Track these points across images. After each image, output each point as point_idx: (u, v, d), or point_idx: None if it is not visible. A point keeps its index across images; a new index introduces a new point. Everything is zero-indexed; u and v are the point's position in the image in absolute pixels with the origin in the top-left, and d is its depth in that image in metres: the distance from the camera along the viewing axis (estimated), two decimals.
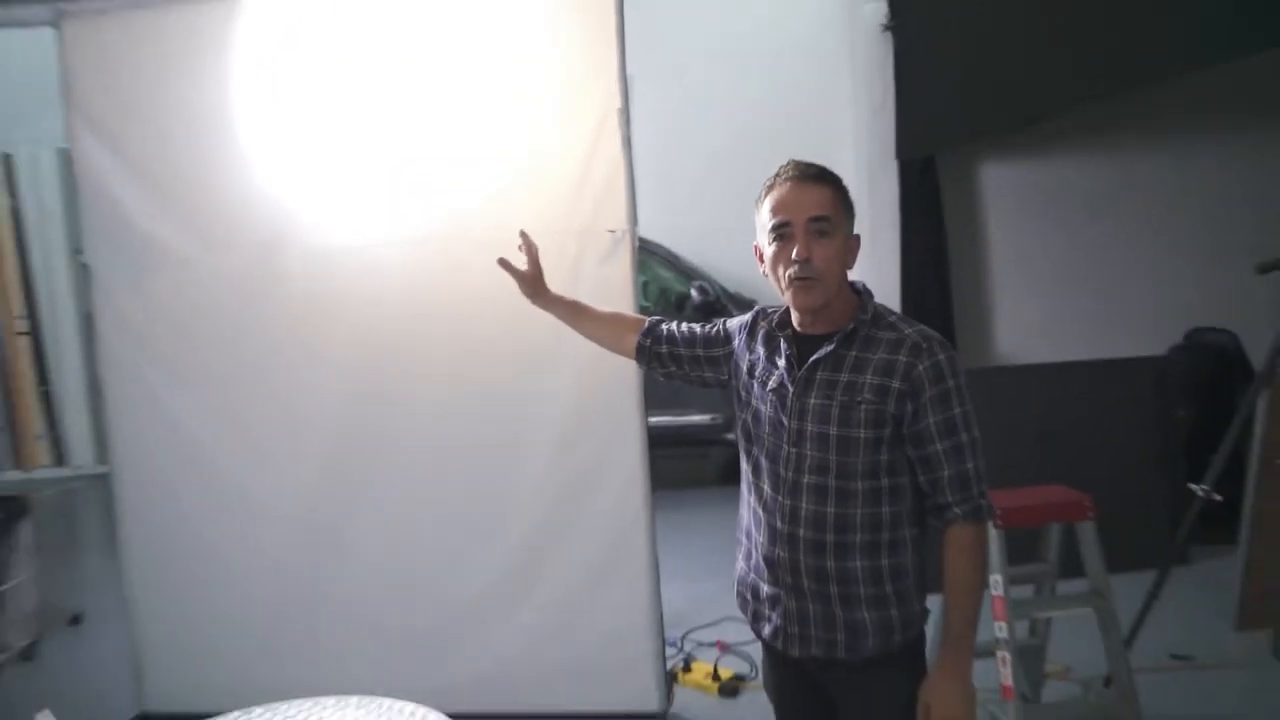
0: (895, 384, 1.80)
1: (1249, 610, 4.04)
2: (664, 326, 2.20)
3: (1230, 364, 5.16)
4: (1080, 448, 4.54)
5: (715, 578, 4.70)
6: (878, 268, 6.51)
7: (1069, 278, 6.64)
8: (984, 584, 1.91)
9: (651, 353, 2.19)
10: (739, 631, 4.16)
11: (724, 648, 4.08)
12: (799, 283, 1.81)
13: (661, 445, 3.78)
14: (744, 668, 3.91)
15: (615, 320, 2.32)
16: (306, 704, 2.18)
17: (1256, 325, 4.66)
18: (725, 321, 2.15)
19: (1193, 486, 3.46)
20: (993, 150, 6.77)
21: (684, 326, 2.19)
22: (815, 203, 1.82)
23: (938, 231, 6.64)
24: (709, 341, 2.12)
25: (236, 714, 2.16)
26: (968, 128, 6.10)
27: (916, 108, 6.49)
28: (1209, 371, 5.19)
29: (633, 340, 2.21)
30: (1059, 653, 3.59)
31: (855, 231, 1.92)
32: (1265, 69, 5.00)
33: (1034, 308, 6.70)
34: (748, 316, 2.09)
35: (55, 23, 3.35)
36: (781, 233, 1.83)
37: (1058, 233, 6.67)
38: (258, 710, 2.17)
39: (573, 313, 2.33)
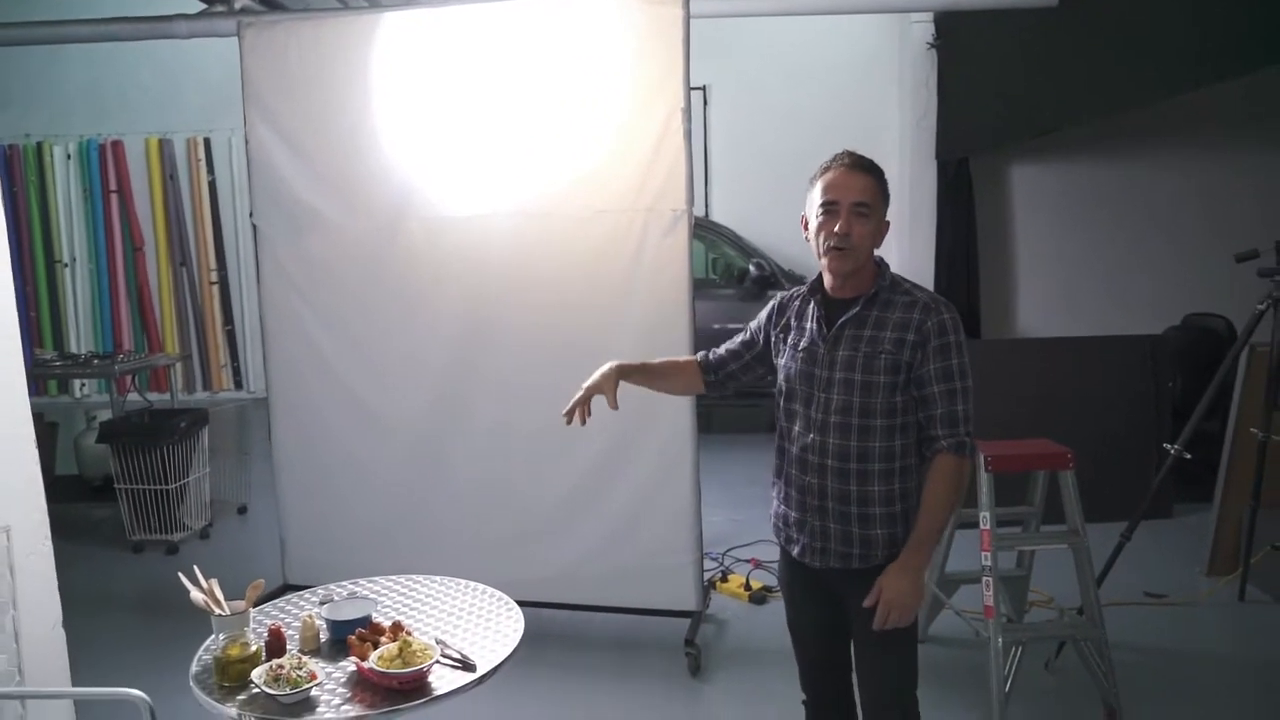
0: (910, 336, 1.86)
1: (1219, 558, 3.94)
2: (713, 357, 2.19)
3: (1221, 343, 4.95)
4: (1082, 412, 4.45)
5: (755, 507, 4.76)
6: (914, 251, 6.41)
7: (1082, 265, 6.45)
8: (954, 507, 1.93)
9: (718, 383, 2.20)
10: (771, 552, 4.17)
11: (757, 564, 4.13)
12: (837, 251, 1.87)
13: (724, 396, 3.81)
14: (773, 581, 3.95)
15: (678, 370, 2.23)
16: (403, 579, 2.32)
17: (1247, 312, 4.46)
18: (751, 325, 2.17)
19: (1167, 446, 3.37)
20: (1019, 153, 6.59)
21: (725, 348, 2.19)
22: (860, 189, 1.87)
23: (969, 222, 6.52)
24: (749, 345, 2.15)
25: (353, 582, 2.31)
26: (998, 134, 5.95)
27: (955, 115, 6.35)
28: (1201, 349, 4.99)
29: (699, 381, 2.21)
30: (1045, 585, 3.57)
31: (888, 219, 1.94)
32: (1263, 83, 4.76)
33: (1050, 289, 6.54)
34: (770, 307, 2.13)
35: (238, 32, 3.47)
36: (829, 209, 1.88)
37: (1074, 226, 6.48)
38: (364, 580, 2.32)
39: (647, 378, 2.21)
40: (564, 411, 2.12)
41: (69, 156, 7.87)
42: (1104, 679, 2.87)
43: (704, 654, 3.29)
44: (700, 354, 2.23)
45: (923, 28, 6.46)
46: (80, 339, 7.94)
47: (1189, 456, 3.28)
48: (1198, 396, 3.44)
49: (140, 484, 4.46)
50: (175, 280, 7.98)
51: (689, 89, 3.10)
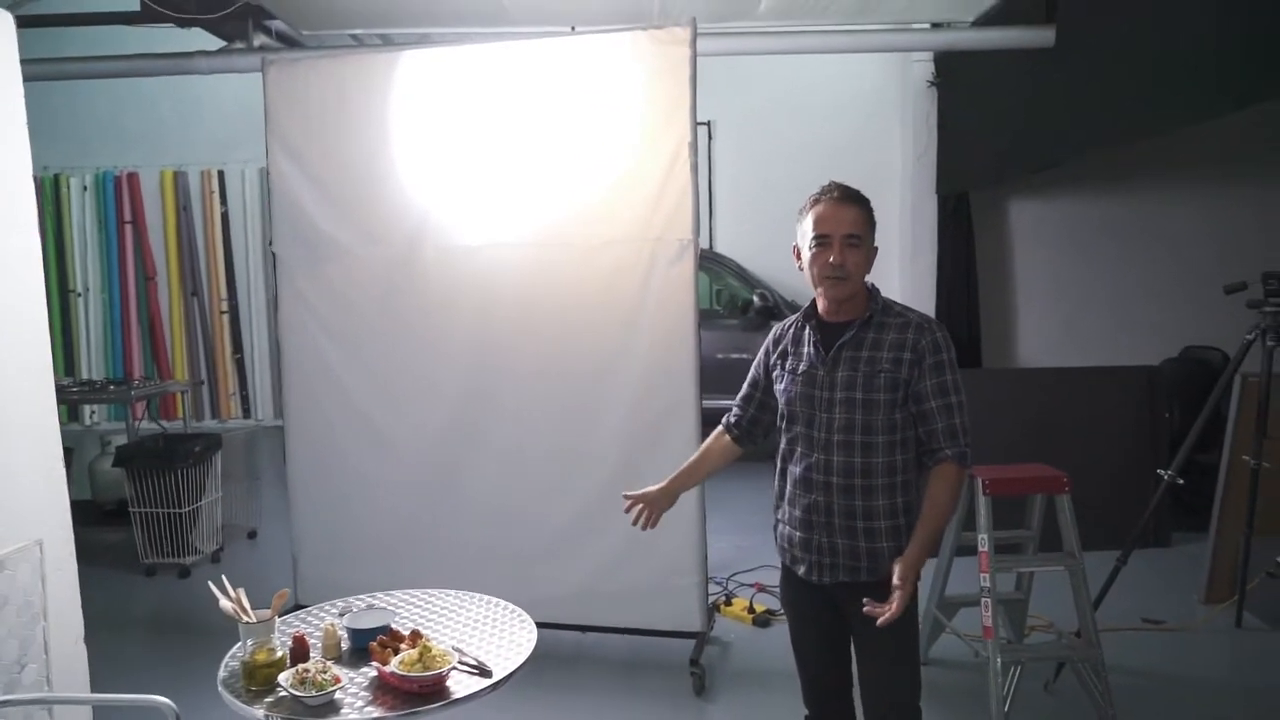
0: (906, 354, 1.97)
1: (1215, 585, 4.00)
2: (732, 418, 2.30)
3: (1217, 376, 5.03)
4: (1079, 442, 4.52)
5: (757, 534, 4.84)
6: (916, 283, 6.54)
7: (1080, 297, 6.57)
8: (954, 511, 2.02)
9: (747, 435, 2.29)
10: (773, 577, 4.26)
11: (760, 588, 4.19)
12: (832, 280, 1.98)
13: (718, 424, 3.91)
14: (776, 605, 4.02)
15: (711, 452, 2.34)
16: (418, 592, 2.41)
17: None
18: (753, 365, 2.27)
19: (1160, 472, 3.45)
20: (1018, 188, 6.74)
21: (737, 400, 2.29)
22: (850, 221, 1.98)
23: (968, 255, 6.65)
24: (755, 384, 2.25)
25: (369, 595, 2.39)
26: (996, 169, 6.09)
27: (954, 151, 6.51)
28: (1198, 381, 5.08)
29: (734, 447, 2.31)
30: (1043, 610, 3.63)
31: (877, 245, 2.05)
32: (1260, 117, 4.91)
33: (1049, 321, 6.66)
34: (767, 340, 2.24)
35: (262, 68, 3.62)
36: (822, 242, 1.99)
37: (1072, 259, 6.61)
38: (381, 594, 2.40)
39: (692, 478, 2.34)
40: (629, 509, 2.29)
41: (85, 188, 8.06)
42: (1101, 699, 2.93)
43: (708, 674, 3.36)
44: (722, 422, 2.32)
45: (923, 66, 6.65)
46: (92, 366, 8.07)
47: (1181, 482, 3.37)
48: (1193, 426, 3.53)
49: (154, 507, 4.55)
50: (186, 309, 8.12)
51: (695, 124, 3.24)
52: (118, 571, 4.61)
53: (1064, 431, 4.57)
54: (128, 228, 8.06)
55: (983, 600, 2.98)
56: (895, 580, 1.88)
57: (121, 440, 5.27)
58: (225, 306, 8.10)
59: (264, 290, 8.12)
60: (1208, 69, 3.98)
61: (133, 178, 8.04)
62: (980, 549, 3.00)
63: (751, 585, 4.24)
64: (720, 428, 2.33)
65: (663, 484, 2.26)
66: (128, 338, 8.09)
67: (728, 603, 4.04)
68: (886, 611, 1.84)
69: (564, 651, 3.61)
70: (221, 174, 8.05)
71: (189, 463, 4.56)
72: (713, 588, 3.90)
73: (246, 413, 8.19)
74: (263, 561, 4.82)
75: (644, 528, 2.24)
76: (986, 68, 5.78)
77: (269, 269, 8.16)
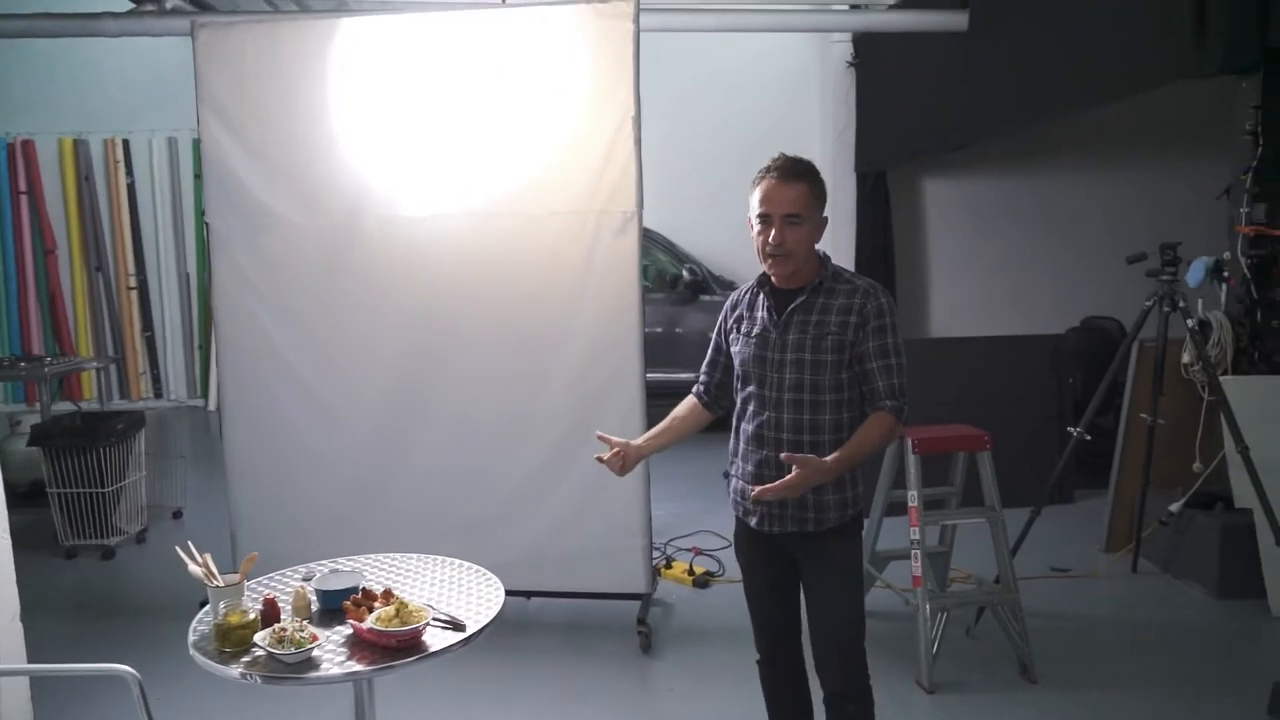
0: (852, 318, 2.09)
1: (1115, 535, 4.33)
2: (701, 384, 2.36)
3: (1114, 343, 5.42)
4: (991, 405, 4.77)
5: (695, 500, 5.00)
6: (835, 256, 6.67)
7: (990, 271, 6.93)
8: (874, 451, 2.10)
9: (716, 402, 2.35)
10: (711, 541, 4.44)
11: (698, 552, 4.34)
12: (775, 257, 2.09)
13: (658, 396, 3.98)
14: (714, 566, 4.17)
15: (684, 417, 2.37)
16: (379, 556, 2.44)
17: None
18: (715, 332, 2.35)
19: (1070, 429, 3.73)
20: (933, 167, 7.04)
21: (704, 367, 2.36)
22: (790, 200, 2.06)
23: (885, 231, 6.92)
24: (718, 349, 2.33)
25: (333, 560, 2.41)
26: (912, 148, 6.35)
27: (872, 130, 6.75)
28: (1098, 348, 5.46)
29: (703, 412, 2.37)
30: (964, 564, 3.88)
31: (827, 214, 2.16)
32: (1160, 103, 5.27)
33: (961, 293, 7.01)
34: (724, 309, 2.32)
35: (192, 33, 3.50)
36: (764, 220, 2.08)
37: (983, 235, 6.96)
38: (343, 559, 2.42)
39: (664, 440, 2.34)
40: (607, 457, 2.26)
41: None
42: (1019, 640, 3.18)
43: (654, 633, 3.48)
44: (693, 390, 2.39)
45: (842, 47, 6.86)
46: None
47: (1089, 438, 3.65)
48: (1092, 392, 3.82)
49: (74, 488, 4.39)
50: (90, 284, 7.77)
51: (639, 97, 3.30)
52: (36, 555, 4.44)
53: (976, 398, 4.83)
54: (23, 198, 7.65)
55: (912, 552, 3.18)
56: (795, 468, 1.94)
57: (30, 420, 5.04)
58: (134, 282, 7.78)
59: (175, 265, 7.84)
60: (1113, 52, 4.27)
61: (28, 145, 7.63)
62: (910, 504, 3.20)
63: (690, 550, 4.38)
64: (690, 395, 2.40)
65: (637, 441, 2.31)
66: (25, 313, 7.70)
67: (668, 566, 4.17)
68: (765, 489, 1.96)
69: (510, 618, 3.63)
70: (127, 143, 7.71)
71: (111, 441, 4.42)
72: (653, 553, 4.02)
73: (158, 393, 7.91)
74: (192, 540, 4.69)
75: (620, 472, 2.25)
76: (903, 50, 6.01)
77: (180, 243, 7.88)
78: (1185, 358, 4.01)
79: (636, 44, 3.27)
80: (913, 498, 3.21)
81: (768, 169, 2.10)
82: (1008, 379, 5.01)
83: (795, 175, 2.08)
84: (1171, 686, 3.14)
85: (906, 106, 6.21)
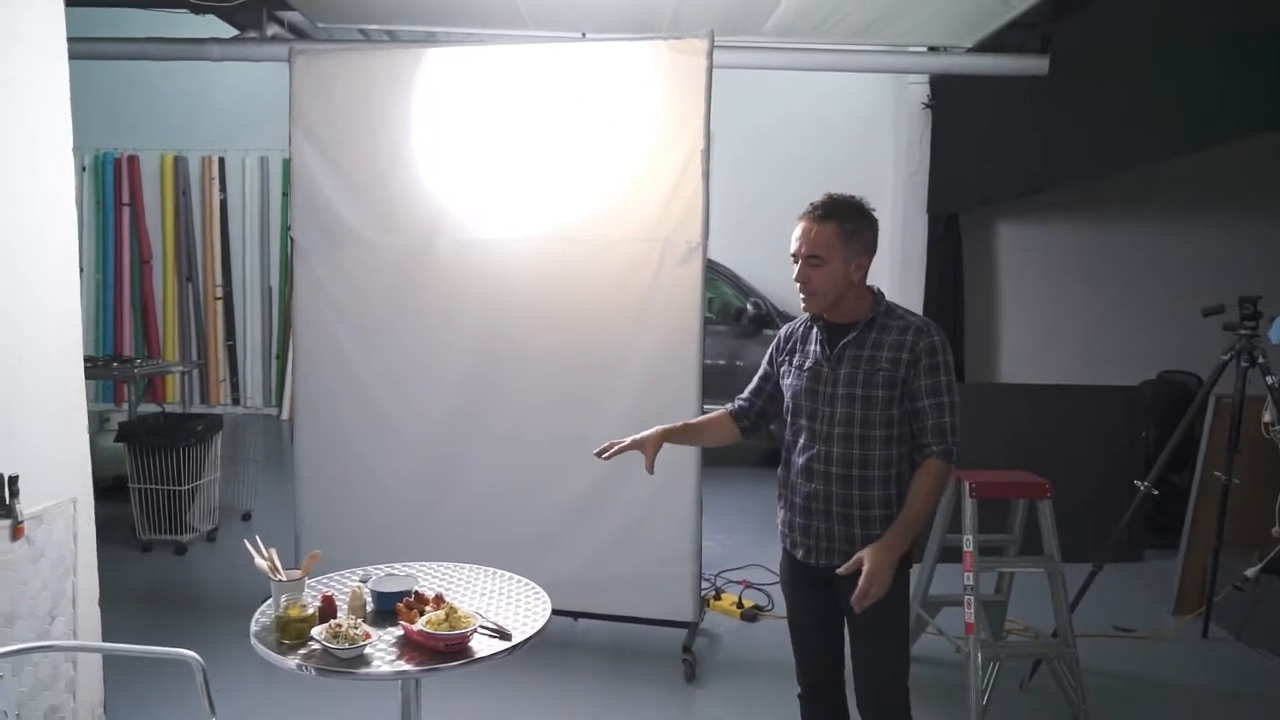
0: (904, 355, 2.11)
1: (1185, 597, 4.18)
2: (740, 405, 2.38)
3: (1191, 398, 5.25)
4: (1058, 455, 4.66)
5: (747, 533, 4.99)
6: (904, 297, 6.73)
7: (1063, 319, 6.79)
8: (935, 503, 2.13)
9: (752, 426, 2.39)
10: (762, 575, 4.42)
11: (748, 585, 4.33)
12: (803, 294, 2.15)
13: None
14: (764, 600, 4.16)
15: (714, 423, 2.41)
16: (434, 564, 2.52)
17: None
18: (764, 361, 2.39)
19: (1137, 483, 3.63)
20: (1006, 211, 6.96)
21: (747, 390, 2.40)
22: (811, 241, 2.10)
23: (956, 273, 6.85)
24: (766, 378, 2.36)
25: (389, 565, 2.50)
26: (986, 192, 6.29)
27: (946, 173, 6.71)
28: (1174, 403, 5.29)
29: (735, 430, 2.38)
30: (1023, 616, 3.79)
31: (876, 251, 2.17)
32: (1240, 153, 5.14)
33: (1032, 340, 6.88)
34: (776, 340, 2.36)
35: (289, 59, 3.71)
36: (794, 257, 2.15)
37: (1057, 282, 6.84)
38: (399, 564, 2.51)
39: (688, 436, 2.40)
40: (601, 451, 2.31)
41: (84, 169, 8.10)
42: (1074, 695, 3.09)
43: (699, 663, 3.48)
44: (730, 406, 2.42)
45: (919, 89, 6.86)
46: (83, 346, 8.10)
47: (1156, 493, 3.54)
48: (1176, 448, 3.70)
49: (154, 484, 4.62)
50: (180, 293, 8.18)
51: (709, 132, 3.38)
52: (114, 546, 4.65)
53: (1043, 447, 4.73)
54: (125, 210, 8.12)
55: (965, 598, 3.13)
56: (866, 566, 2.00)
57: (118, 418, 5.32)
58: (220, 293, 8.17)
59: (260, 279, 8.20)
60: (1191, 105, 4.20)
61: (133, 160, 8.10)
62: (965, 549, 3.15)
63: (739, 582, 4.37)
64: (723, 409, 2.43)
65: (659, 428, 2.31)
66: (120, 318, 8.14)
67: (717, 597, 4.17)
68: (861, 587, 1.99)
69: (557, 637, 3.72)
70: (222, 161, 8.13)
71: (191, 441, 4.64)
72: (703, 584, 4.03)
73: (236, 399, 8.25)
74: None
75: (649, 469, 2.26)
76: (981, 92, 5.99)
77: (265, 258, 8.25)
78: (1266, 416, 3.86)
79: (709, 80, 3.36)
80: (968, 542, 3.16)
81: (809, 207, 2.15)
82: (1077, 429, 4.90)
83: (825, 215, 2.11)
84: None
85: (982, 150, 6.17)
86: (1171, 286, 6.43)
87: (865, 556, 2.02)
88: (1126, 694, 3.44)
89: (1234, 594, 3.87)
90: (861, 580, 2.01)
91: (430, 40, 5.93)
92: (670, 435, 2.33)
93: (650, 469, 2.28)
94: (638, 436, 2.31)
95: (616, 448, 2.31)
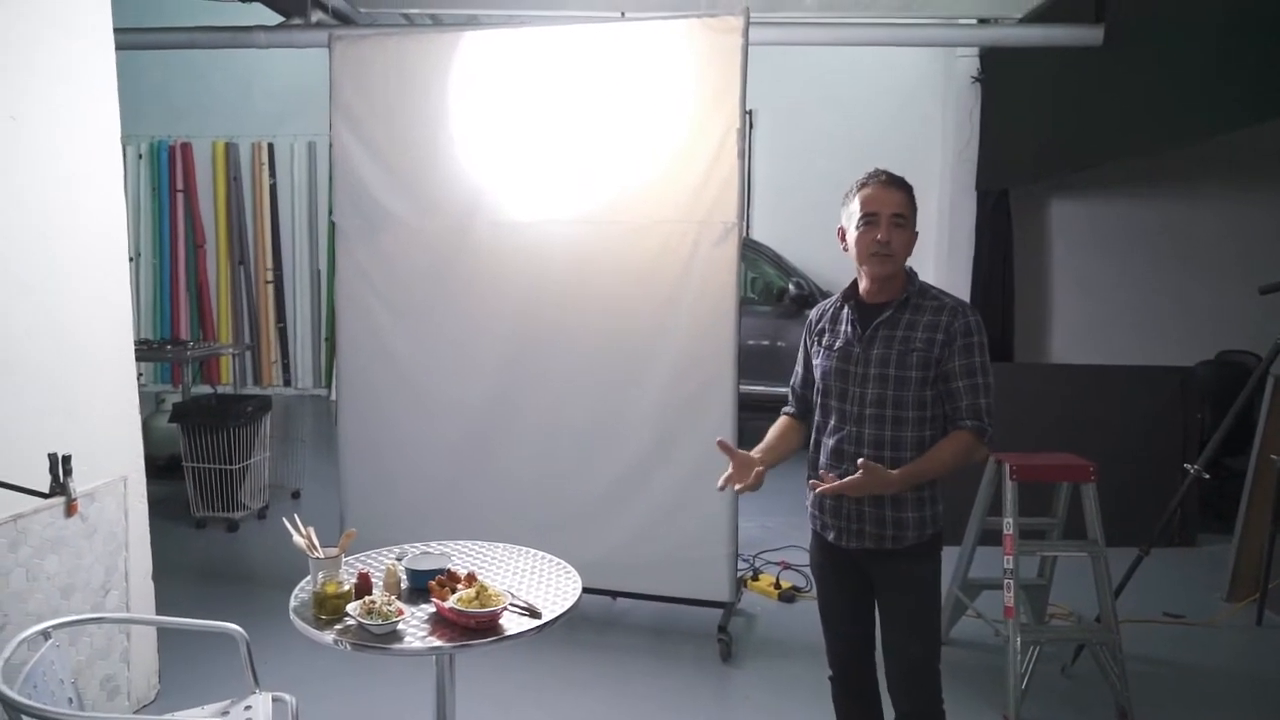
0: (939, 336, 2.08)
1: (1239, 583, 4.07)
2: (794, 403, 2.36)
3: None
4: (1109, 439, 4.56)
5: (782, 515, 4.98)
6: (952, 278, 6.61)
7: (1116, 297, 6.62)
8: (949, 468, 2.06)
9: (810, 413, 2.31)
10: (799, 557, 4.41)
11: (785, 566, 4.34)
12: (879, 256, 2.09)
13: (752, 410, 4.00)
14: (801, 582, 4.15)
15: (784, 434, 2.34)
16: (468, 543, 2.57)
17: None
18: (800, 346, 2.35)
19: (1187, 466, 3.54)
20: (1058, 187, 6.78)
21: (793, 385, 2.36)
22: (896, 202, 2.10)
23: (1006, 251, 6.71)
24: (807, 364, 2.33)
25: (424, 543, 2.56)
26: (1037, 167, 6.13)
27: (996, 148, 6.56)
28: (1232, 385, 5.11)
29: (805, 429, 2.32)
30: (1065, 601, 3.73)
31: (917, 230, 2.15)
32: None
33: (1084, 319, 6.71)
34: (808, 322, 2.34)
35: (329, 45, 3.76)
36: (870, 220, 2.10)
37: (1109, 259, 6.65)
38: (434, 543, 2.56)
39: (776, 456, 2.28)
40: (722, 486, 2.18)
41: (140, 156, 8.33)
42: (1117, 681, 3.04)
43: (735, 643, 3.50)
44: (784, 411, 2.38)
45: (968, 62, 6.70)
46: (141, 328, 8.36)
47: (1207, 476, 3.45)
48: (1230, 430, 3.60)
49: (207, 463, 4.77)
50: (233, 277, 8.39)
51: (745, 111, 3.36)
52: (170, 523, 4.84)
53: (1094, 428, 4.63)
54: (179, 196, 8.33)
55: (1005, 581, 3.10)
56: (855, 476, 1.95)
57: (172, 399, 5.50)
58: (270, 276, 8.35)
59: (309, 263, 8.37)
60: (1256, 74, 4.03)
61: (186, 147, 8.30)
62: (1005, 532, 3.12)
63: (778, 563, 4.37)
64: (783, 416, 2.38)
65: (758, 459, 2.20)
66: (176, 302, 8.38)
67: (754, 578, 4.18)
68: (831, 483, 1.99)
69: (594, 615, 3.78)
70: (271, 146, 8.29)
71: (241, 422, 4.78)
72: (740, 565, 4.04)
73: (287, 381, 8.45)
74: (307, 520, 5.01)
75: (748, 488, 2.13)
76: (1032, 65, 5.82)
77: (314, 242, 8.41)
78: None
79: (744, 58, 3.33)
80: (1008, 525, 3.12)
81: (870, 176, 2.14)
82: (1129, 412, 4.78)
83: (897, 184, 2.13)
84: None
85: (1033, 124, 6.01)
86: (1231, 265, 6.21)
87: (861, 468, 1.95)
88: (1174, 681, 3.38)
89: None
90: (841, 481, 1.98)
91: (471, 23, 5.97)
92: (766, 463, 2.18)
93: (730, 485, 2.15)
94: (744, 455, 2.19)
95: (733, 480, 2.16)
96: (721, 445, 2.21)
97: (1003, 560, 3.11)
